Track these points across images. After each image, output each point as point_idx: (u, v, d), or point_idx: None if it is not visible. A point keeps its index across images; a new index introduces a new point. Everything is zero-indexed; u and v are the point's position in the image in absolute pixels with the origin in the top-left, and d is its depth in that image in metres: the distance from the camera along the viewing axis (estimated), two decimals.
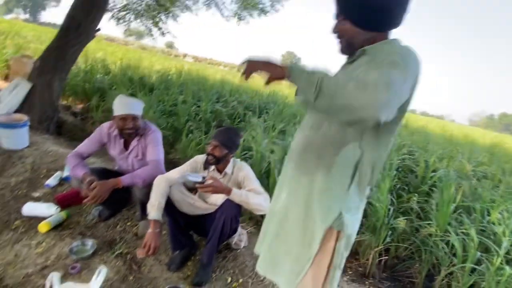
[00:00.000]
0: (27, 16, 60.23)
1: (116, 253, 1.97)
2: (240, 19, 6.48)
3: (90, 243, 1.98)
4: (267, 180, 2.86)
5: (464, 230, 2.54)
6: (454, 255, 2.43)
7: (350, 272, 2.56)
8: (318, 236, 0.96)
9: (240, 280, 1.97)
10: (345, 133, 0.95)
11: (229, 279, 1.98)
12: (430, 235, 2.59)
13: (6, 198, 2.40)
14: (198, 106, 5.18)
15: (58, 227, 2.15)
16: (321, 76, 0.82)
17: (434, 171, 3.77)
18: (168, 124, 4.22)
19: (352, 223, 1.00)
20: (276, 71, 0.89)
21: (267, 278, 1.95)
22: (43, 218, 2.16)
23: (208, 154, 1.96)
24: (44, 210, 2.21)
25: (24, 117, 3.05)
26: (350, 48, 1.01)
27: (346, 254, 1.03)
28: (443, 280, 2.42)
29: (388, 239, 2.55)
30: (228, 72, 21.64)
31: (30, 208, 2.23)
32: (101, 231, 2.24)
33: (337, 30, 1.02)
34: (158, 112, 4.47)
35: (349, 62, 1.04)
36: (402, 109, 0.89)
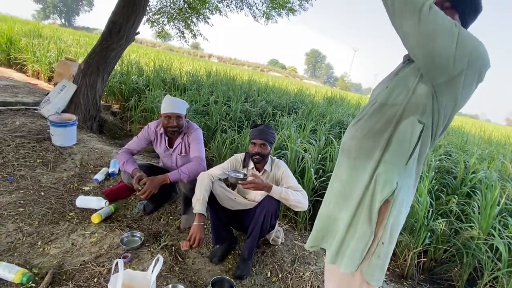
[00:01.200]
0: (62, 21, 63.82)
1: (162, 245, 2.09)
2: (268, 18, 6.55)
3: (138, 235, 2.11)
4: (302, 179, 2.88)
5: (509, 234, 2.44)
6: (499, 259, 2.34)
7: (388, 273, 2.53)
8: (375, 209, 0.98)
9: (280, 275, 2.02)
10: (404, 110, 0.97)
11: (269, 274, 2.03)
12: (472, 238, 2.51)
13: (60, 191, 2.59)
14: (229, 106, 5.28)
15: (107, 219, 2.31)
16: None
17: (473, 172, 3.63)
18: (202, 124, 4.35)
19: (402, 200, 1.00)
20: None
21: (306, 274, 2.00)
22: (93, 210, 2.34)
23: (253, 154, 2.01)
24: (95, 203, 2.38)
25: (73, 117, 3.28)
26: None
27: (395, 232, 1.03)
28: (486, 284, 2.34)
29: (426, 241, 2.50)
30: (253, 72, 21.77)
31: (82, 201, 2.40)
32: (146, 224, 2.37)
33: None
34: (191, 112, 4.62)
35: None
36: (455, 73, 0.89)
